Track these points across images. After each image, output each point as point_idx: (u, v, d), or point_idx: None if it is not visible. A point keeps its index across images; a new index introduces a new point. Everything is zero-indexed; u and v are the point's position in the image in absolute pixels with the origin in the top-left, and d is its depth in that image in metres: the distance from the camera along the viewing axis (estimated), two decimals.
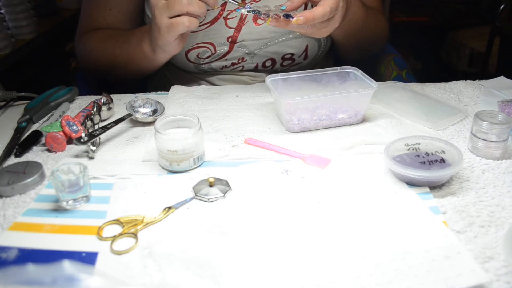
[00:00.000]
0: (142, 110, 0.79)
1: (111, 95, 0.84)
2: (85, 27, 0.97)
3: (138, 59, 0.88)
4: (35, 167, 0.63)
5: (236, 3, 0.76)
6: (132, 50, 0.87)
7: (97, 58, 0.94)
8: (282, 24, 0.72)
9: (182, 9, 0.71)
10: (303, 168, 0.64)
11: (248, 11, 0.73)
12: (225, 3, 0.88)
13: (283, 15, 0.71)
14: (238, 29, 0.91)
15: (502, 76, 0.93)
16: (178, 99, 0.86)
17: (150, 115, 0.79)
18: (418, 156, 0.61)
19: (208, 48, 0.92)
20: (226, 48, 0.93)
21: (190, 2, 0.71)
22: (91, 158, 0.68)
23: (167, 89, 0.92)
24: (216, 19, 0.90)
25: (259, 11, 0.72)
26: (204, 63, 0.95)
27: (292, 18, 0.70)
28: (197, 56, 0.94)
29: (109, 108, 0.81)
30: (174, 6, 0.71)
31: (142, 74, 0.96)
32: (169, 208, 0.56)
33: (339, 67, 0.80)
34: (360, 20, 0.88)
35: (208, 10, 0.88)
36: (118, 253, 0.50)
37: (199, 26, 0.89)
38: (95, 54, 0.94)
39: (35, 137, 0.73)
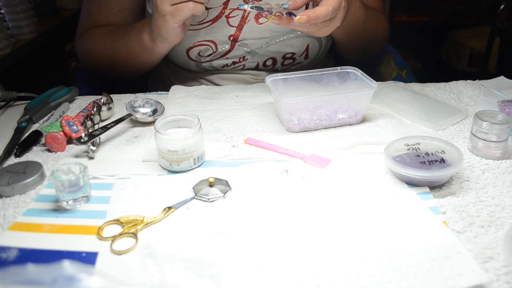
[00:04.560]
0: (142, 110, 0.79)
1: (111, 95, 0.84)
2: (86, 26, 0.97)
3: (137, 52, 0.87)
4: (35, 167, 0.63)
5: None
6: (132, 43, 0.87)
7: (97, 54, 0.94)
8: (284, 22, 0.72)
9: None
10: (303, 168, 0.64)
11: (251, 7, 0.73)
12: (228, 1, 0.88)
13: (285, 13, 0.71)
14: (239, 27, 0.91)
15: (502, 76, 0.93)
16: (178, 99, 0.86)
17: (150, 115, 0.79)
18: (418, 156, 0.61)
19: (210, 46, 0.92)
20: (227, 47, 0.93)
21: None
22: (91, 158, 0.68)
23: (167, 88, 0.92)
24: (218, 17, 0.90)
25: (262, 8, 0.72)
26: (205, 61, 0.95)
27: (295, 16, 0.70)
28: (198, 54, 0.94)
29: (109, 108, 0.81)
30: None
31: (142, 68, 0.95)
32: (169, 208, 0.56)
33: (339, 67, 0.80)
34: (361, 20, 0.89)
35: (210, 8, 0.88)
36: (118, 253, 0.50)
37: (201, 24, 0.89)
38: (95, 51, 0.94)
39: (35, 137, 0.73)
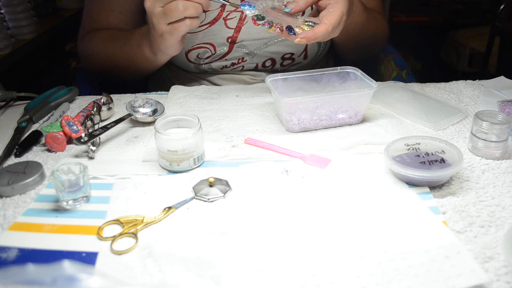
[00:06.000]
0: (142, 110, 0.79)
1: (111, 95, 0.84)
2: (87, 28, 0.97)
3: (139, 61, 0.88)
4: (35, 167, 0.63)
5: (236, 5, 0.75)
6: (133, 53, 0.87)
7: (98, 59, 0.95)
8: (284, 35, 0.72)
9: (180, 15, 0.71)
10: (303, 168, 0.64)
11: (252, 16, 0.73)
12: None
13: (286, 28, 0.71)
14: (237, 29, 0.91)
15: (502, 76, 0.93)
16: (178, 99, 0.86)
17: (150, 115, 0.79)
18: (418, 156, 0.61)
19: (208, 48, 0.92)
20: (226, 49, 0.93)
21: (186, 6, 0.70)
22: (91, 158, 0.68)
23: (167, 88, 0.92)
24: (215, 20, 0.90)
25: (262, 17, 0.72)
26: (204, 63, 0.96)
27: (295, 34, 0.70)
28: (197, 56, 0.94)
29: (109, 108, 0.81)
30: (172, 14, 0.70)
31: (143, 74, 0.97)
32: (169, 208, 0.56)
33: (339, 67, 0.80)
34: (360, 24, 0.89)
35: (207, 11, 0.88)
36: (118, 253, 0.50)
37: (199, 27, 0.89)
38: (96, 55, 0.95)
39: (35, 137, 0.73)
